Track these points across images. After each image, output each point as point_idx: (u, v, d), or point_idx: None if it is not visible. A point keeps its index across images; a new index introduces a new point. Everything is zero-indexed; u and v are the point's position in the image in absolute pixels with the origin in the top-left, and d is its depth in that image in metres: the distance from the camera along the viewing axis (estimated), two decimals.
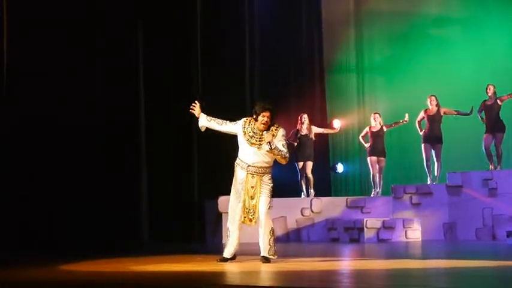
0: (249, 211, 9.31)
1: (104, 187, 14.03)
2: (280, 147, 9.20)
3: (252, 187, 9.28)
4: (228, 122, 9.55)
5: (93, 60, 14.32)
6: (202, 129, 9.75)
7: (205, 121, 9.62)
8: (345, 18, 19.08)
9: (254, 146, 9.26)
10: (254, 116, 9.29)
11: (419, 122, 15.24)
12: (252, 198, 9.29)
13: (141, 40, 15.15)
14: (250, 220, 9.32)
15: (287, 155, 9.28)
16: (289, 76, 17.82)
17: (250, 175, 9.28)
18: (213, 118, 9.62)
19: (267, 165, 9.33)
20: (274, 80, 17.26)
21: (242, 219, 9.33)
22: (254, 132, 9.28)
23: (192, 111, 9.67)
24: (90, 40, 14.29)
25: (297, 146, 15.43)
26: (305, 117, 15.50)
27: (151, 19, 15.25)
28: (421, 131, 15.20)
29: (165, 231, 14.53)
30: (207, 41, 15.92)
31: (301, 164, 15.47)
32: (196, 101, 9.68)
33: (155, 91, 15.09)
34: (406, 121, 15.49)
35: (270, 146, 9.11)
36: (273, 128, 9.26)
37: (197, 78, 15.73)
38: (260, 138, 9.22)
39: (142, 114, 15.07)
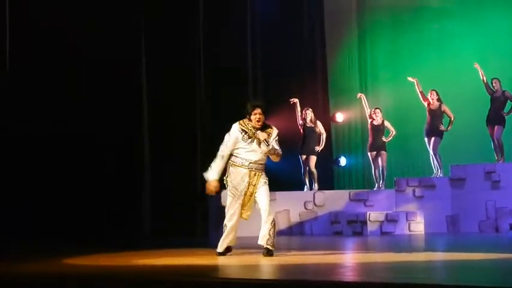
0: (245, 206, 9.37)
1: (107, 181, 14.04)
2: (276, 146, 9.34)
3: (254, 185, 9.33)
4: (226, 143, 9.37)
5: (95, 58, 14.32)
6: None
7: (217, 173, 9.43)
8: (348, 12, 19.04)
9: (253, 144, 9.29)
10: (247, 116, 9.34)
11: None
12: (251, 195, 9.34)
13: (143, 40, 15.15)
14: (246, 215, 9.39)
15: (281, 152, 9.42)
16: (291, 70, 17.78)
17: (252, 173, 9.32)
18: (217, 163, 9.40)
19: (264, 161, 9.43)
20: (276, 75, 17.22)
21: (244, 216, 9.38)
22: (253, 134, 9.31)
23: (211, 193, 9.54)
24: (90, 38, 14.32)
25: (302, 139, 15.43)
26: (310, 111, 15.49)
27: (152, 20, 15.26)
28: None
29: (168, 225, 14.52)
30: (208, 37, 15.91)
31: (304, 157, 15.46)
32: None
33: (158, 87, 15.10)
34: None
35: (267, 143, 9.17)
36: (269, 129, 9.37)
37: (199, 74, 15.72)
38: (257, 139, 9.28)
39: (145, 108, 15.08)
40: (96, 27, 14.32)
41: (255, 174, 9.32)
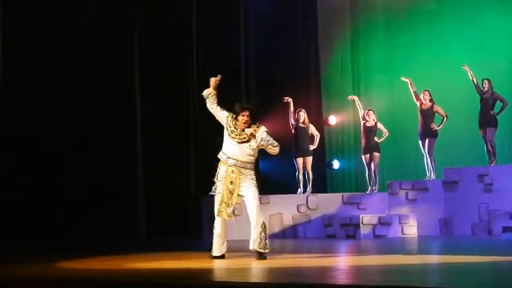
0: (227, 206, 9.29)
1: (101, 184, 14.06)
2: (267, 138, 9.29)
3: (232, 182, 9.27)
4: (219, 108, 9.49)
5: (88, 58, 14.37)
6: (204, 96, 9.55)
7: (212, 99, 9.45)
8: (341, 13, 19.02)
9: (235, 139, 9.29)
10: (234, 116, 9.36)
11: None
12: (231, 193, 9.28)
13: (136, 39, 15.18)
14: (229, 216, 9.30)
15: (276, 143, 9.36)
16: (285, 73, 17.80)
17: (230, 169, 9.28)
18: (216, 100, 9.50)
19: (247, 160, 9.34)
20: (269, 77, 17.24)
21: (222, 214, 9.30)
22: (235, 128, 9.32)
23: (215, 82, 9.44)
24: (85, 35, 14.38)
25: (295, 141, 15.41)
26: (303, 112, 15.46)
27: (146, 18, 15.29)
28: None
29: (162, 227, 14.54)
30: (202, 38, 15.93)
31: (300, 159, 15.41)
32: (219, 75, 9.54)
33: (151, 89, 15.12)
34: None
35: (254, 136, 9.18)
36: (254, 126, 9.35)
37: (192, 75, 15.74)
38: (240, 134, 9.26)
39: (139, 111, 15.09)
40: (96, 27, 14.39)
41: (232, 172, 9.26)
